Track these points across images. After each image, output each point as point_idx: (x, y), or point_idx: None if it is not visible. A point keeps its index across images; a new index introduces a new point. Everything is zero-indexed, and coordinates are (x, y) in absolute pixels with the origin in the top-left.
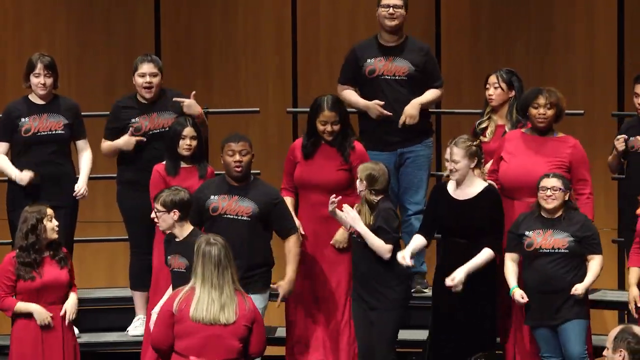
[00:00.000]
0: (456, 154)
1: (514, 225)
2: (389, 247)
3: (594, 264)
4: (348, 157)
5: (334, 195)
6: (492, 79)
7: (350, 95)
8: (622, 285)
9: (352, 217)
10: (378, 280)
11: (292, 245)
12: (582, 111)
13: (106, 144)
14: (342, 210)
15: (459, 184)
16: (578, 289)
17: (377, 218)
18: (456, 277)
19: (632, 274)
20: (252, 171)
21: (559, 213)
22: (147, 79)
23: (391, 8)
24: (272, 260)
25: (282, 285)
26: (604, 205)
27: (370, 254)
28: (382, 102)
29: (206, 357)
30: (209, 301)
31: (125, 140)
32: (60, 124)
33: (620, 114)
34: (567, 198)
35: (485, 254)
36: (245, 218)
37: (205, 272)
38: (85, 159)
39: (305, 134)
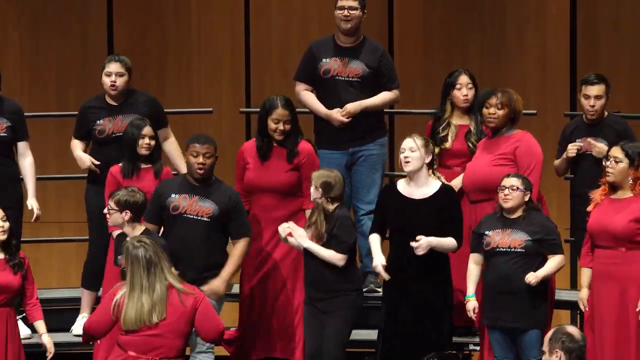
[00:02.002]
0: (415, 142)
1: (477, 225)
2: (342, 256)
3: (551, 260)
4: (293, 156)
5: (284, 225)
6: (465, 79)
7: (310, 99)
8: (575, 284)
9: (299, 234)
10: (330, 284)
11: (239, 247)
12: (534, 111)
13: (72, 145)
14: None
15: (411, 179)
16: (529, 277)
17: (332, 226)
18: (422, 239)
19: (584, 274)
20: None
21: (519, 213)
22: (113, 78)
23: (346, 10)
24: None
25: (213, 282)
26: (556, 204)
27: (319, 259)
28: (343, 110)
29: (146, 355)
30: (138, 306)
31: (80, 158)
32: (3, 126)
33: (572, 114)
34: (527, 198)
35: (450, 240)
36: (205, 219)
37: (134, 278)
38: (28, 169)
39: (258, 134)
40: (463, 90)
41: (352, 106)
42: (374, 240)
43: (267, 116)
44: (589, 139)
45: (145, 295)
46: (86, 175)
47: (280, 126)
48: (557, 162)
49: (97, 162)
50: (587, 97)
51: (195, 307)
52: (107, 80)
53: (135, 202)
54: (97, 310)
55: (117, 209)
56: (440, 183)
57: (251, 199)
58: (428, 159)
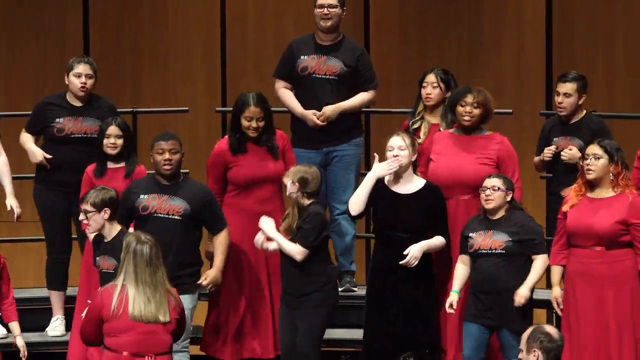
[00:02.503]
0: (404, 140)
1: (464, 227)
2: (301, 249)
3: (537, 264)
4: (278, 151)
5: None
6: (431, 77)
7: (288, 97)
8: (550, 284)
9: (268, 224)
10: (303, 281)
11: (221, 238)
12: (510, 110)
13: (23, 138)
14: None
15: (399, 177)
16: (519, 295)
17: (302, 220)
18: (411, 250)
19: (554, 272)
20: (181, 170)
21: (501, 214)
22: (83, 79)
23: (326, 8)
24: (201, 260)
25: (210, 272)
26: (531, 204)
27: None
28: (320, 114)
29: (141, 353)
30: (144, 299)
31: (33, 152)
32: None
33: (548, 113)
34: (508, 199)
35: (439, 239)
36: (176, 217)
37: (137, 270)
38: (3, 168)
39: (230, 130)
40: (427, 89)
41: (330, 110)
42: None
43: (240, 114)
44: (570, 147)
45: (149, 290)
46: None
47: (254, 124)
48: (536, 159)
49: (49, 156)
50: (558, 94)
51: (180, 310)
52: (77, 82)
53: (111, 198)
54: (86, 321)
55: (94, 210)
56: (424, 180)
57: (239, 194)
58: (414, 157)
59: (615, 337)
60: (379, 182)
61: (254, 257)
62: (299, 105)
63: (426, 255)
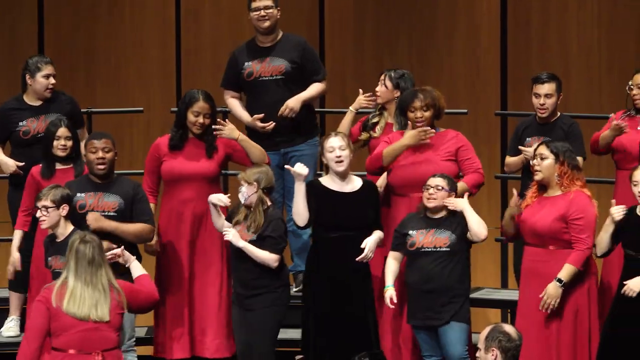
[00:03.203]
0: (343, 140)
1: (400, 224)
2: (276, 257)
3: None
4: (212, 151)
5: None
6: (382, 76)
7: (235, 107)
8: (505, 284)
9: (233, 234)
10: (257, 281)
11: (140, 225)
12: (465, 110)
13: None
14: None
15: (340, 176)
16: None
17: (266, 227)
18: (368, 244)
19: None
20: (135, 171)
21: (443, 213)
22: (52, 80)
23: (262, 10)
24: (139, 257)
25: (91, 216)
26: (486, 204)
27: (249, 256)
28: (261, 115)
29: (86, 350)
30: (81, 298)
31: (5, 163)
32: None
33: (503, 113)
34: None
35: (379, 233)
36: (112, 213)
37: (78, 270)
38: None
39: (174, 125)
40: (378, 86)
41: (293, 102)
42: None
43: (187, 109)
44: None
45: (87, 290)
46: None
47: (200, 119)
48: (510, 160)
49: (22, 164)
50: (538, 95)
51: (124, 299)
52: (45, 83)
53: (68, 195)
54: (34, 315)
55: (53, 205)
56: (360, 178)
57: (170, 191)
58: (352, 155)
59: (555, 336)
60: (315, 185)
61: (188, 256)
62: (246, 115)
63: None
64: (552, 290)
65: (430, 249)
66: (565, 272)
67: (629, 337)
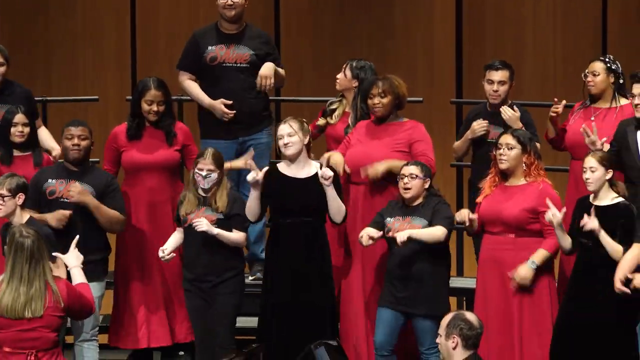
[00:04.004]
0: (292, 127)
1: (383, 209)
2: (245, 235)
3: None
4: (172, 139)
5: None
6: (345, 65)
7: (194, 89)
8: (461, 271)
9: (206, 224)
10: (221, 268)
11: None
12: (420, 98)
13: None
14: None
15: (292, 162)
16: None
17: (232, 205)
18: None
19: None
20: (91, 159)
21: (420, 200)
22: (2, 69)
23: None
24: (108, 246)
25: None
26: (442, 191)
27: (214, 242)
28: (230, 102)
29: (21, 349)
30: (14, 295)
31: None
32: None
33: (458, 102)
34: (426, 186)
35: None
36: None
37: (15, 265)
38: None
39: (130, 115)
40: (338, 75)
41: (266, 69)
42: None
43: (140, 98)
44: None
45: (23, 287)
46: None
47: (154, 107)
48: (457, 143)
49: None
50: (491, 82)
51: (67, 303)
52: None
53: (24, 184)
54: None
55: (9, 194)
56: (319, 163)
57: (130, 180)
58: (306, 140)
59: (518, 324)
60: (272, 170)
61: (149, 244)
62: (206, 97)
63: (323, 243)
64: (523, 271)
65: None
66: (540, 255)
67: (582, 322)
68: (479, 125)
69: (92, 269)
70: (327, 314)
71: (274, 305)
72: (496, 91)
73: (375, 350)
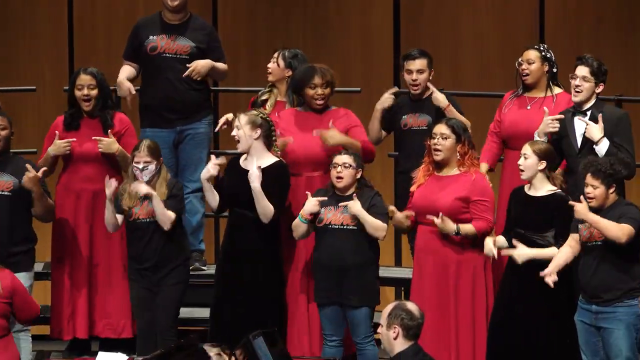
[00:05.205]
0: (239, 121)
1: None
2: (173, 216)
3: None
4: (108, 128)
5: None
6: (276, 54)
7: (122, 71)
8: (399, 261)
9: (146, 188)
10: (166, 259)
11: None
12: (358, 88)
13: None
14: None
15: (248, 154)
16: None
17: (171, 188)
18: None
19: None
20: (25, 150)
21: (352, 190)
22: None
23: None
24: (35, 236)
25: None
26: (380, 181)
27: (159, 233)
28: (192, 68)
29: None
30: None
31: None
32: None
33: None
34: (358, 176)
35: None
36: (6, 193)
37: None
38: None
39: (68, 106)
40: (270, 63)
41: (202, 64)
42: None
43: (73, 86)
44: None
45: None
46: None
47: (85, 91)
48: (369, 126)
49: None
50: (410, 72)
51: (11, 292)
52: None
53: None
54: None
55: None
56: (277, 159)
57: (67, 170)
58: (256, 134)
59: (454, 314)
60: (232, 161)
61: (86, 236)
62: (123, 74)
63: (270, 235)
64: (448, 226)
65: (337, 227)
66: (466, 228)
67: (518, 312)
68: (385, 98)
69: (20, 260)
70: (267, 302)
71: (217, 294)
72: (415, 80)
73: (324, 342)
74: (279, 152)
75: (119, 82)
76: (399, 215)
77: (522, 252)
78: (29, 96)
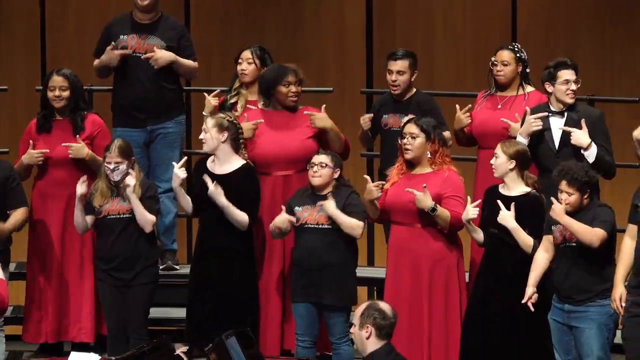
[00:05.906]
0: (206, 124)
1: (291, 198)
2: (153, 218)
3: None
4: (79, 129)
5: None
6: (247, 54)
7: (100, 61)
8: (372, 261)
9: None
10: (135, 259)
11: (20, 212)
12: (331, 88)
13: None
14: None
15: (218, 157)
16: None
17: (145, 190)
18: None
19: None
20: (0, 149)
21: (329, 189)
22: None
23: None
24: (9, 238)
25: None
26: (353, 181)
27: (129, 233)
28: (151, 54)
29: None
30: None
31: None
32: None
33: (369, 91)
34: (336, 176)
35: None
36: None
37: None
38: None
39: (41, 108)
40: (243, 65)
41: (162, 53)
42: None
43: (46, 88)
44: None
45: None
46: None
47: (56, 92)
48: (359, 133)
49: None
50: (390, 72)
51: None
52: None
53: None
54: None
55: None
56: (244, 161)
57: (40, 173)
58: (223, 137)
59: (427, 313)
60: (200, 163)
61: (59, 240)
62: (105, 54)
63: (243, 233)
64: (426, 198)
65: (313, 226)
66: (443, 211)
67: (491, 311)
68: (364, 121)
69: None
70: (239, 302)
71: (190, 295)
72: (395, 81)
73: (297, 342)
74: (249, 139)
75: (108, 54)
76: (370, 184)
77: (506, 214)
78: (1, 96)
